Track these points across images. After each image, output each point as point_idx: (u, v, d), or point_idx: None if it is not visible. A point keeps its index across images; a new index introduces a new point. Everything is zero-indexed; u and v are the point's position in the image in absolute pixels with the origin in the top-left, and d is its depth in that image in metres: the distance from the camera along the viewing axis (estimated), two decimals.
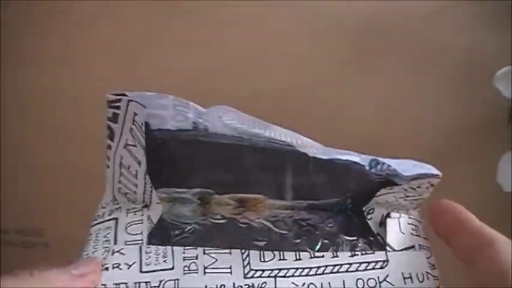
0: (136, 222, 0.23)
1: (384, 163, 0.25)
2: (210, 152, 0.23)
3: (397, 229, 0.24)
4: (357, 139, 0.52)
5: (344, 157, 0.24)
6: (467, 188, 0.48)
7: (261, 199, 0.24)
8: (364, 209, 0.25)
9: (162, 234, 0.23)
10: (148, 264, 0.21)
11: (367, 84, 0.53)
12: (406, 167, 0.25)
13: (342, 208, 0.25)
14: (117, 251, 0.22)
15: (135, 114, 0.22)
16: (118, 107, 0.22)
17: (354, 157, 0.24)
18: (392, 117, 0.52)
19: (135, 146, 0.22)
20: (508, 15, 0.53)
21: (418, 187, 0.25)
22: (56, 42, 0.54)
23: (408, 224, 0.25)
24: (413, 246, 0.24)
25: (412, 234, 0.25)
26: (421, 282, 0.23)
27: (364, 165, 0.24)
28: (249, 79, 0.52)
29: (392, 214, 0.25)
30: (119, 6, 0.54)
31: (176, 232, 0.23)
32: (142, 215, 0.23)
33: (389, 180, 0.25)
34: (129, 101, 0.22)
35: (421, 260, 0.24)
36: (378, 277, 0.23)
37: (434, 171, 0.25)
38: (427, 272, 0.24)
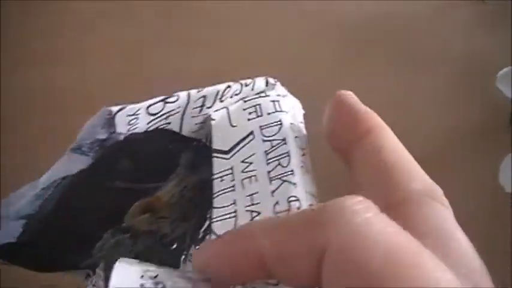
0: None
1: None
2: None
3: (227, 124, 0.21)
4: None
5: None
6: (467, 189, 0.48)
7: (160, 195, 0.22)
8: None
9: None
10: None
11: (367, 84, 0.53)
12: None
13: None
14: None
15: None
16: None
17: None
18: (391, 117, 0.51)
19: None
20: (508, 16, 0.52)
21: None
22: (56, 42, 0.54)
23: (243, 109, 0.21)
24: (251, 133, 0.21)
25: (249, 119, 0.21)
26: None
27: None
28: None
29: (214, 115, 0.21)
30: (119, 6, 0.54)
31: None
32: None
33: None
34: None
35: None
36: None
37: None
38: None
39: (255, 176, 0.19)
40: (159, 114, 0.21)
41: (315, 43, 0.54)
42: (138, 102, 0.21)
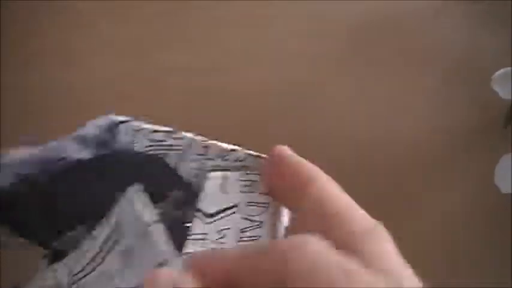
0: None
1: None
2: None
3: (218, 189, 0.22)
4: (356, 139, 0.52)
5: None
6: (466, 189, 0.48)
7: None
8: None
9: None
10: None
11: (366, 84, 0.53)
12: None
13: None
14: None
15: None
16: None
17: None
18: (391, 117, 0.52)
19: None
20: (507, 15, 0.53)
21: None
22: (56, 42, 0.54)
23: (241, 180, 0.23)
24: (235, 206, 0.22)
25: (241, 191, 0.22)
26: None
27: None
28: (249, 78, 0.52)
29: (213, 174, 0.23)
30: (119, 6, 0.54)
31: None
32: None
33: None
34: None
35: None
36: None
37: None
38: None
39: (223, 248, 0.20)
40: (160, 144, 0.22)
41: (315, 43, 0.54)
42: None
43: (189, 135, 0.23)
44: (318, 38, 0.54)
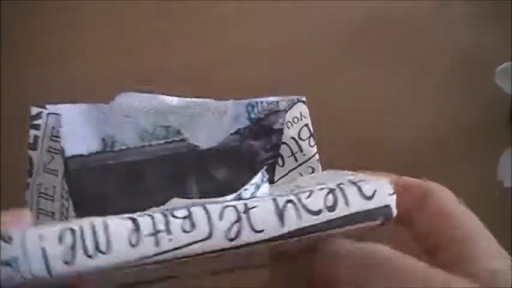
0: None
1: (259, 102, 0.26)
2: (118, 175, 0.24)
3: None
4: (355, 138, 0.52)
5: (231, 126, 0.25)
6: (467, 187, 0.48)
7: None
8: None
9: None
10: None
11: (366, 83, 0.53)
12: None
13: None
14: None
15: (53, 128, 0.24)
16: (38, 126, 0.24)
17: (236, 120, 0.25)
18: (391, 116, 0.52)
19: (54, 172, 0.24)
20: (508, 15, 0.53)
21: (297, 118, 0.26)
22: (56, 42, 0.54)
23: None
24: None
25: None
26: None
27: (245, 128, 0.25)
28: (248, 76, 0.52)
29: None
30: (119, 5, 0.54)
31: None
32: None
33: (271, 124, 0.26)
34: (48, 114, 0.24)
35: None
36: None
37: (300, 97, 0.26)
38: None
39: None
40: None
41: (315, 43, 0.54)
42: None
43: None
44: (317, 38, 0.54)
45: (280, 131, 0.27)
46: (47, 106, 0.24)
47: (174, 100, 0.25)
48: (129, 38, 0.54)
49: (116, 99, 0.25)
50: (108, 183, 0.24)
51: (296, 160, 0.27)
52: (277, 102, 0.27)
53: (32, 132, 0.24)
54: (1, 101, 0.52)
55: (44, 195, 0.25)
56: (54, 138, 0.24)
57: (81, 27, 0.54)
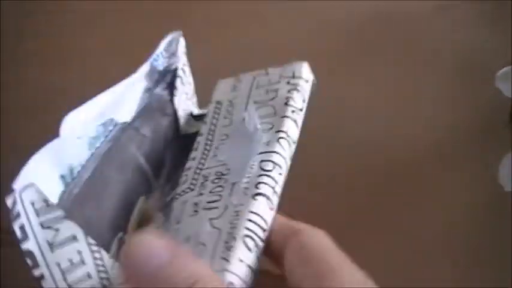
0: None
1: (157, 55, 0.28)
2: (87, 195, 0.23)
3: None
4: (355, 138, 0.52)
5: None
6: (467, 188, 0.48)
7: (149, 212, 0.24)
8: None
9: None
10: None
11: (366, 84, 0.53)
12: None
13: None
14: None
15: (33, 204, 0.22)
16: (19, 214, 0.22)
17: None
18: (391, 117, 0.52)
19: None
20: (508, 15, 0.53)
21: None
22: (56, 42, 0.54)
23: None
24: None
25: None
26: None
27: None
28: None
29: None
30: (119, 5, 0.54)
31: None
32: None
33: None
34: (20, 191, 0.22)
35: None
36: None
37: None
38: None
39: None
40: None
41: (315, 43, 0.54)
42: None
43: None
44: (317, 38, 0.54)
45: (174, 70, 0.29)
46: (16, 184, 0.22)
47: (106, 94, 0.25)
48: (129, 38, 0.54)
49: (65, 122, 0.23)
50: (89, 207, 0.23)
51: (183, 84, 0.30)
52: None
53: (16, 224, 0.21)
54: (1, 101, 0.52)
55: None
56: (39, 213, 0.22)
57: (81, 28, 0.54)
